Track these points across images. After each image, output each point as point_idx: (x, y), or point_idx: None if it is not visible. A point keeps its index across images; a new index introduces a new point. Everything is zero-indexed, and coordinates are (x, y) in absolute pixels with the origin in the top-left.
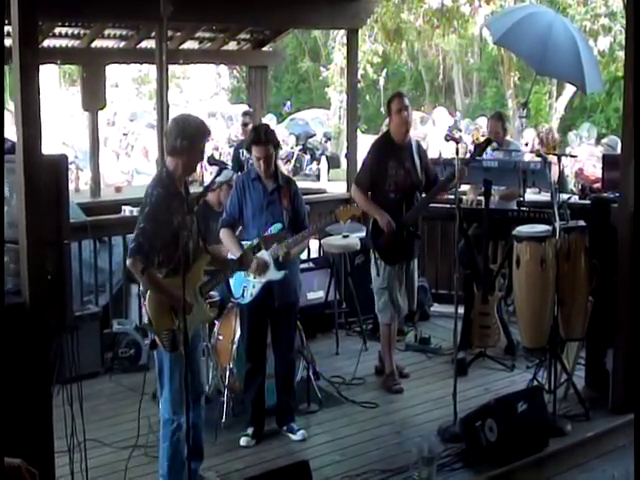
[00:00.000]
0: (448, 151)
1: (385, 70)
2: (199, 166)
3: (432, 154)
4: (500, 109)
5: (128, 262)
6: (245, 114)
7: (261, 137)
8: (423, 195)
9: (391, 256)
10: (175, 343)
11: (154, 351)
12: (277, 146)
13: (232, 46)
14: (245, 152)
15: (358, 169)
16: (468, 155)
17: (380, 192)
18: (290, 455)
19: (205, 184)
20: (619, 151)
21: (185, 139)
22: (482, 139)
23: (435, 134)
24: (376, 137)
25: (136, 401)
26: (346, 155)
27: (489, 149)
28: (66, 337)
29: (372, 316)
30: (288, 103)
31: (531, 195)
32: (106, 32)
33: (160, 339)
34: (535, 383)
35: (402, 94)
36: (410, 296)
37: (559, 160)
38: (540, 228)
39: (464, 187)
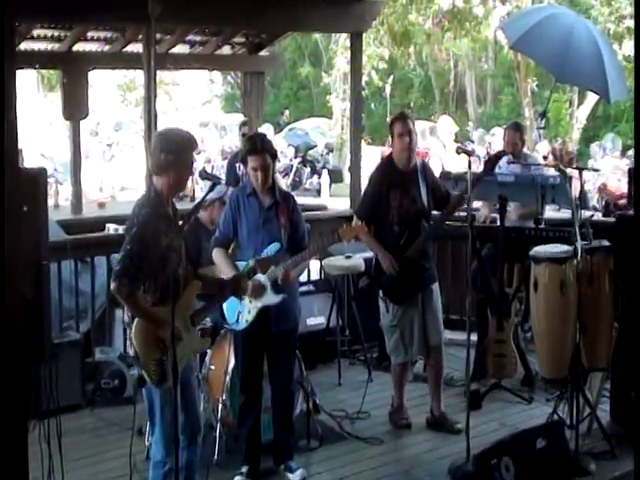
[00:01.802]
0: (453, 164)
1: (392, 76)
2: (190, 180)
3: (434, 166)
4: (516, 119)
5: (112, 286)
6: (244, 124)
7: (257, 146)
8: (433, 219)
9: (398, 294)
10: (163, 374)
11: (142, 388)
12: (274, 156)
13: (226, 50)
14: (242, 166)
15: (360, 196)
16: (481, 169)
17: (383, 225)
18: None
19: (196, 200)
20: None
21: (170, 154)
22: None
23: (439, 145)
24: (380, 161)
25: (120, 437)
26: (349, 168)
27: (504, 162)
28: (44, 367)
29: (377, 344)
30: (286, 113)
31: (550, 212)
32: (89, 34)
33: (148, 373)
34: (555, 417)
35: (405, 116)
36: (432, 329)
37: (580, 174)
38: (560, 248)
39: (476, 203)
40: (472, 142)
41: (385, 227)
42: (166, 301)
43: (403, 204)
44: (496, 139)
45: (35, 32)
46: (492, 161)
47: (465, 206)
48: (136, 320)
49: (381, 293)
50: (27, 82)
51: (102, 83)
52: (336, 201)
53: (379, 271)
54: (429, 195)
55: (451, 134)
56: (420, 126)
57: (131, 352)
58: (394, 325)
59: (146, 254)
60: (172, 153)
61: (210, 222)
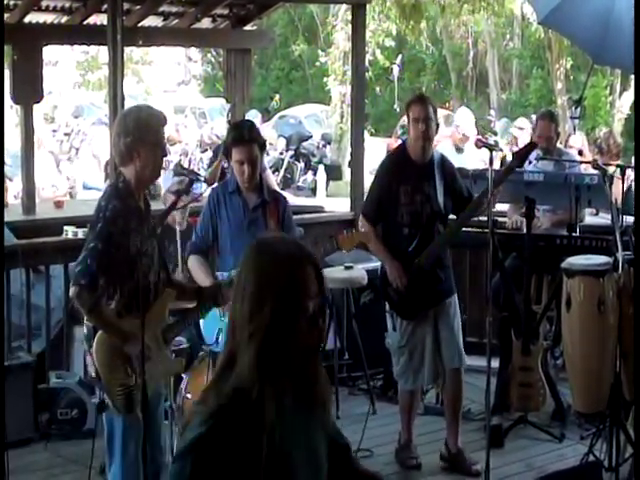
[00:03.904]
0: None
1: (400, 56)
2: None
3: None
4: (547, 107)
5: (72, 291)
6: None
7: (244, 135)
8: (451, 221)
9: (407, 308)
10: (131, 403)
11: (103, 414)
12: (263, 147)
13: (206, 24)
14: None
15: (366, 193)
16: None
17: (391, 226)
18: None
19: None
20: None
21: (129, 136)
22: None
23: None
24: (390, 148)
25: (79, 477)
26: (350, 164)
27: (533, 157)
28: None
29: (382, 370)
30: (277, 97)
31: (586, 217)
32: (44, 3)
33: (111, 398)
34: (591, 458)
35: (424, 98)
36: (448, 349)
37: (623, 173)
38: (598, 260)
39: (500, 207)
40: (495, 134)
41: (393, 229)
42: (133, 312)
43: (415, 202)
44: (525, 133)
45: None
46: (522, 154)
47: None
48: (99, 333)
49: (388, 307)
50: None
51: (59, 60)
52: (334, 202)
53: (386, 280)
54: (447, 194)
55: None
56: None
57: (91, 371)
58: (402, 346)
59: (114, 255)
60: (132, 135)
61: (173, 221)
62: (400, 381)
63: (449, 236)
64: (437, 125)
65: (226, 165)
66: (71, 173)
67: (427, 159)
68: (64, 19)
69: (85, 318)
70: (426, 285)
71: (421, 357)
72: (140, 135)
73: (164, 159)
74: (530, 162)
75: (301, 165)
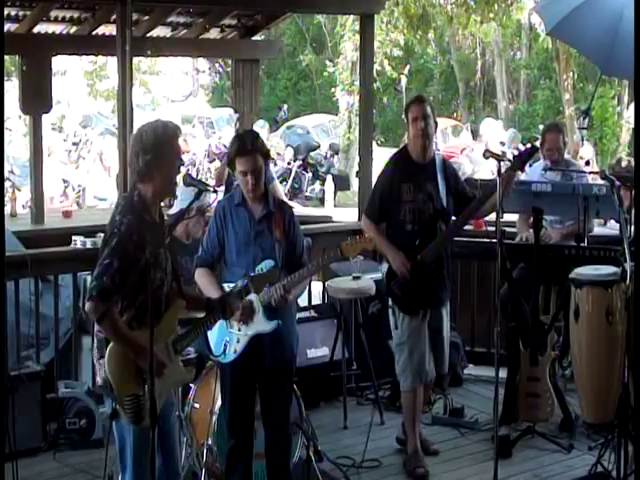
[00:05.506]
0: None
1: (408, 66)
2: None
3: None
4: (555, 118)
5: (88, 307)
6: (239, 119)
7: (247, 146)
8: (451, 221)
9: (409, 303)
10: (140, 413)
11: (114, 423)
12: (267, 156)
13: (214, 34)
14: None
15: (370, 194)
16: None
17: (394, 223)
18: None
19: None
20: None
21: (148, 152)
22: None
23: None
24: (393, 152)
25: None
26: (357, 174)
27: (539, 168)
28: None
29: (390, 380)
30: (285, 107)
31: (595, 228)
32: (53, 14)
33: (121, 407)
34: (600, 469)
35: (422, 99)
36: (438, 356)
37: (632, 183)
38: (606, 270)
39: (509, 217)
40: (502, 144)
41: (396, 226)
42: (144, 323)
43: (417, 200)
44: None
45: None
46: (523, 156)
47: (492, 217)
48: (111, 345)
49: (390, 302)
50: None
51: (67, 70)
52: (342, 212)
53: (390, 276)
54: (449, 194)
55: (497, 139)
56: (441, 124)
57: (99, 380)
58: (403, 342)
59: (130, 269)
60: (151, 152)
61: (185, 235)
62: (401, 379)
63: (452, 232)
64: (436, 123)
65: None
66: (79, 183)
67: (428, 159)
68: (73, 29)
69: (96, 329)
70: (429, 280)
71: (420, 356)
72: (159, 151)
73: (181, 169)
74: (530, 165)
75: (309, 175)
